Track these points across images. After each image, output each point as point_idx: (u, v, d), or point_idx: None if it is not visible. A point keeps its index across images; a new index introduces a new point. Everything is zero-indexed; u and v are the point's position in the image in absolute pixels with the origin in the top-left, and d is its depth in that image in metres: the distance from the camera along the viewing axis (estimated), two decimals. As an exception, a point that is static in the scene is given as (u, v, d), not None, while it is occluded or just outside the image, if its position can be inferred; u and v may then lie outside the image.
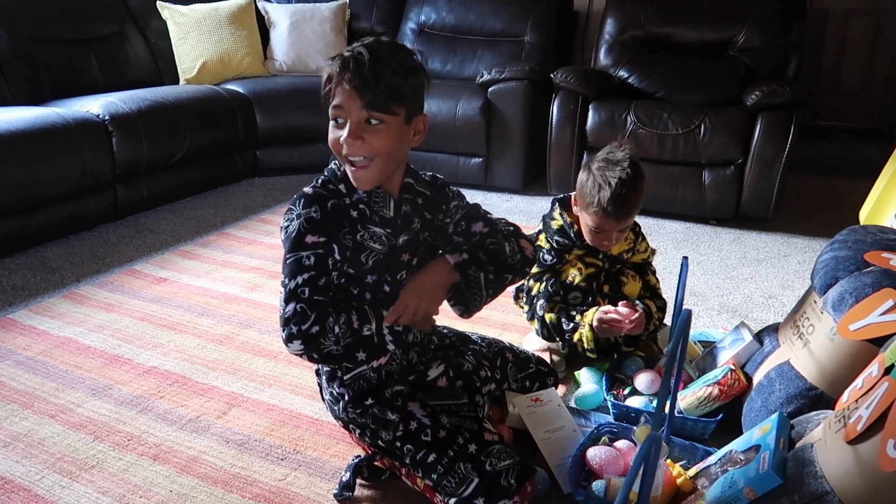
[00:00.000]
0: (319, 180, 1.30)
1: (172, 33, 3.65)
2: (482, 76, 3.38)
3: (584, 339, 1.69)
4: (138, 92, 3.12)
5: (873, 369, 1.11)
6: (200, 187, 3.39)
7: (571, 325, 1.71)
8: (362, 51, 1.18)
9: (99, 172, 2.75)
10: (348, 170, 1.25)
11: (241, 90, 3.53)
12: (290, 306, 1.17)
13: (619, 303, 1.68)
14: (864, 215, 2.20)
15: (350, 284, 1.30)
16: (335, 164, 1.31)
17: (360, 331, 1.21)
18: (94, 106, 2.85)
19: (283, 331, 1.18)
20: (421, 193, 1.38)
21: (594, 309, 1.69)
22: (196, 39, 3.65)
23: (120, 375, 1.78)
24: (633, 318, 1.63)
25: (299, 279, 1.19)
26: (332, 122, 1.23)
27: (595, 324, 1.66)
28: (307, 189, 1.27)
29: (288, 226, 1.23)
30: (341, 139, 1.20)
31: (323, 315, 1.18)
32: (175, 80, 3.68)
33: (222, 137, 3.37)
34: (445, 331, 1.62)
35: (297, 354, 1.20)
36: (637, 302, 1.73)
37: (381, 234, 1.31)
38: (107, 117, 2.80)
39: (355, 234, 1.28)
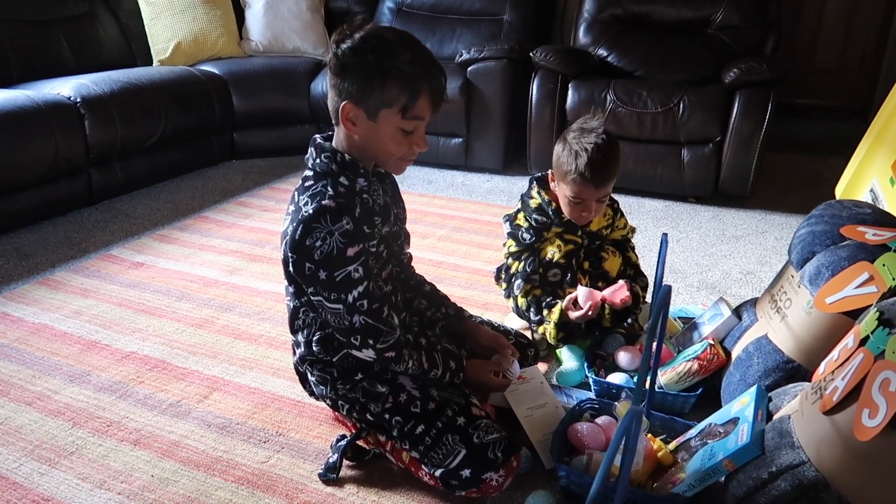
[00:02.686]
0: (328, 187, 1.24)
1: (144, 13, 3.57)
2: (461, 55, 3.35)
3: (548, 334, 1.73)
4: (110, 73, 3.05)
5: (849, 341, 1.13)
6: (177, 171, 3.33)
7: (538, 316, 1.73)
8: (439, 65, 1.21)
9: (71, 156, 2.70)
10: (399, 164, 1.29)
11: (216, 71, 3.47)
12: (355, 318, 1.24)
13: (583, 291, 1.69)
14: (840, 191, 2.22)
15: None
16: (326, 157, 1.26)
17: (427, 372, 1.33)
18: (65, 88, 2.79)
19: (354, 337, 1.25)
20: (388, 185, 1.40)
21: (558, 307, 1.70)
22: (169, 19, 3.57)
23: (98, 361, 1.76)
24: (619, 300, 1.65)
25: (355, 293, 1.22)
26: (399, 132, 1.22)
27: (572, 318, 1.68)
28: (327, 202, 1.20)
29: (321, 245, 1.18)
30: (418, 146, 1.26)
31: (399, 346, 1.28)
32: (148, 61, 3.61)
33: (198, 120, 3.31)
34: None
35: (364, 358, 1.30)
36: (621, 281, 1.74)
37: (377, 222, 1.31)
38: (78, 100, 2.74)
39: (373, 227, 1.29)
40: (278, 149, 3.65)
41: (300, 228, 1.20)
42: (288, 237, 1.22)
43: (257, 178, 3.34)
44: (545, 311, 1.73)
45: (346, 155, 1.26)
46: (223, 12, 3.70)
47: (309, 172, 1.28)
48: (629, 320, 1.80)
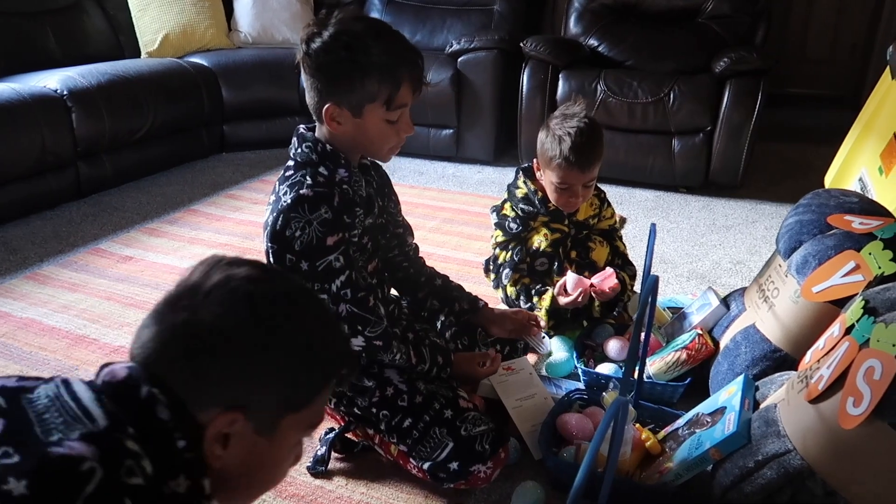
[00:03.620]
0: (307, 176, 1.22)
1: (132, 4, 3.53)
2: (451, 46, 3.33)
3: (540, 320, 1.72)
4: (98, 66, 3.02)
5: (835, 330, 1.13)
6: (166, 164, 3.31)
7: (528, 304, 1.73)
8: (412, 46, 1.20)
9: (59, 150, 2.68)
10: (389, 154, 1.29)
11: (205, 63, 3.44)
12: (340, 307, 1.23)
13: (572, 278, 1.69)
14: (829, 180, 2.23)
15: None
16: (307, 147, 1.25)
17: (415, 367, 1.33)
18: (51, 81, 2.76)
19: (342, 327, 1.23)
20: (374, 177, 1.39)
21: (549, 294, 1.70)
22: (157, 11, 3.54)
23: (86, 356, 1.75)
24: (609, 288, 1.66)
25: (338, 282, 1.22)
26: (386, 123, 1.22)
27: (562, 303, 1.68)
28: (305, 191, 1.19)
29: (300, 234, 1.18)
30: (406, 132, 1.26)
31: (387, 335, 1.28)
32: (136, 53, 3.57)
33: (187, 112, 3.29)
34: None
35: (353, 348, 1.27)
36: (609, 269, 1.75)
37: (359, 213, 1.29)
38: (65, 92, 2.72)
39: (354, 217, 1.27)
40: (268, 141, 3.63)
41: (280, 218, 1.19)
42: (268, 227, 1.21)
43: (247, 171, 3.32)
44: (535, 299, 1.73)
45: (327, 145, 1.25)
46: (211, 3, 3.66)
47: (290, 162, 1.27)
48: (617, 309, 1.80)
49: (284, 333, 0.69)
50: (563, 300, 1.68)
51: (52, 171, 2.72)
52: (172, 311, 0.69)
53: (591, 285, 1.68)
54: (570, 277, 1.68)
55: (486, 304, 1.61)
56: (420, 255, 1.60)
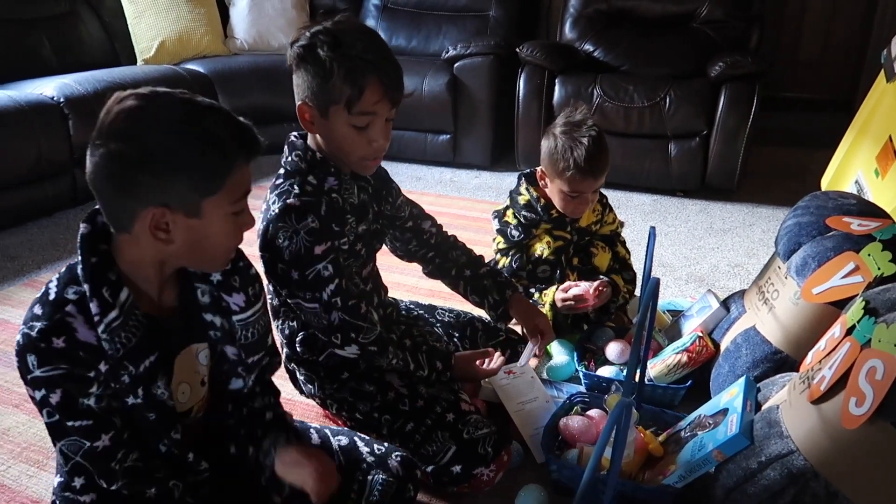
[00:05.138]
0: (295, 185, 1.22)
1: (128, 11, 3.53)
2: (447, 52, 3.34)
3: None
4: (94, 73, 3.02)
5: (836, 331, 1.14)
6: (163, 170, 3.30)
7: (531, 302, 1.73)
8: (390, 57, 1.17)
9: (56, 157, 2.67)
10: (362, 164, 1.25)
11: (201, 70, 3.45)
12: (332, 315, 1.22)
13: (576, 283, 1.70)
14: (826, 182, 2.24)
15: None
16: (296, 156, 1.25)
17: (413, 373, 1.33)
18: (47, 88, 2.76)
19: (335, 336, 1.24)
20: (368, 181, 1.37)
21: (553, 288, 1.70)
22: (153, 18, 3.54)
23: (85, 363, 1.74)
24: (594, 290, 1.65)
25: (328, 290, 1.21)
26: (352, 129, 1.18)
27: (559, 303, 1.68)
28: (292, 201, 1.20)
29: (288, 244, 1.18)
30: (376, 142, 1.21)
31: (381, 341, 1.27)
32: (132, 60, 3.57)
33: (184, 118, 3.28)
34: (412, 305, 1.63)
35: (348, 356, 1.27)
36: (602, 277, 1.75)
37: (350, 220, 1.29)
38: (62, 100, 2.71)
39: (343, 226, 1.27)
40: (266, 147, 3.62)
41: (269, 228, 1.20)
42: (260, 236, 1.22)
43: (244, 177, 3.31)
44: (537, 295, 1.73)
45: (317, 153, 1.25)
46: (207, 10, 3.67)
47: (281, 171, 1.27)
48: (612, 311, 1.79)
49: (164, 144, 0.85)
50: (560, 295, 1.68)
51: (49, 178, 2.71)
52: (90, 152, 0.86)
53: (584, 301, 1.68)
54: (579, 289, 1.68)
55: (517, 292, 1.55)
56: (445, 232, 1.59)
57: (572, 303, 1.67)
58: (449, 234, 1.60)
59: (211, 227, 0.91)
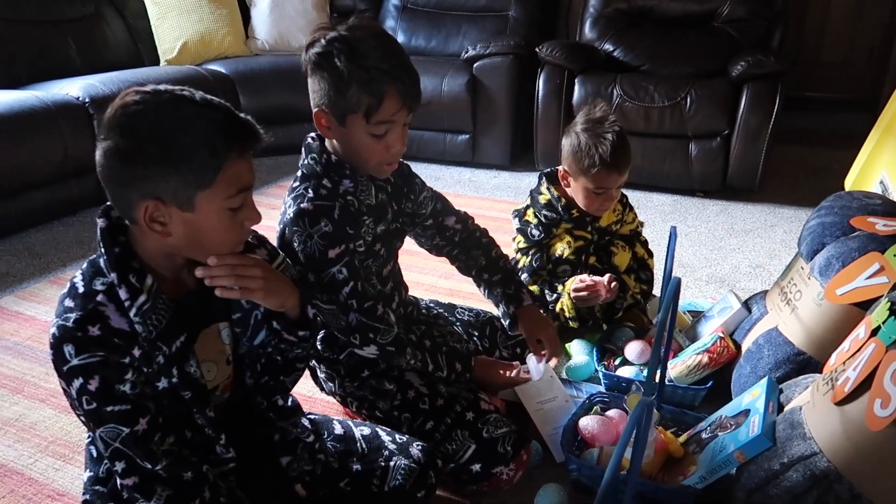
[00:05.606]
0: (310, 189, 1.23)
1: (151, 13, 3.58)
2: (467, 52, 3.35)
3: (565, 308, 1.71)
4: (118, 73, 3.07)
5: (860, 332, 1.13)
6: (185, 169, 3.34)
7: (555, 295, 1.73)
8: (408, 64, 1.16)
9: (81, 156, 2.71)
10: (379, 168, 1.24)
11: (223, 70, 3.48)
12: (350, 316, 1.23)
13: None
14: (850, 183, 2.21)
15: None
16: (312, 159, 1.26)
17: (431, 373, 1.33)
18: (73, 88, 2.80)
19: (353, 336, 1.24)
20: (387, 179, 1.37)
21: (572, 279, 1.70)
22: (175, 19, 3.59)
23: (110, 359, 1.77)
24: (606, 283, 1.66)
25: (344, 293, 1.22)
26: (370, 136, 1.18)
27: (571, 294, 1.68)
28: (305, 205, 1.20)
29: (302, 247, 1.19)
30: (394, 148, 1.20)
31: (399, 341, 1.27)
32: (155, 61, 3.62)
33: (205, 118, 3.32)
34: (432, 304, 1.64)
35: (368, 356, 1.28)
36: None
37: (367, 222, 1.30)
38: (87, 99, 2.76)
39: (359, 228, 1.28)
40: (285, 147, 3.62)
41: (285, 231, 1.22)
42: (278, 238, 1.24)
43: (264, 177, 3.35)
44: (560, 287, 1.73)
45: (332, 156, 1.25)
46: (229, 11, 3.71)
47: (298, 173, 1.28)
48: (618, 307, 1.78)
49: (154, 138, 0.87)
50: (574, 286, 1.68)
51: (74, 177, 2.76)
52: (97, 147, 0.90)
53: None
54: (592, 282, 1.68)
55: (523, 306, 1.50)
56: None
57: (585, 294, 1.66)
58: (478, 228, 1.56)
59: (207, 221, 0.92)
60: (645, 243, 1.90)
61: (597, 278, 1.68)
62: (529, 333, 1.46)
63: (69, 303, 0.92)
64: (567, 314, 1.72)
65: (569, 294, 1.69)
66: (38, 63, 3.14)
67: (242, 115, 0.95)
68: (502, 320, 1.57)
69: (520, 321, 1.47)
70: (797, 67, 3.84)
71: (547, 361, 1.45)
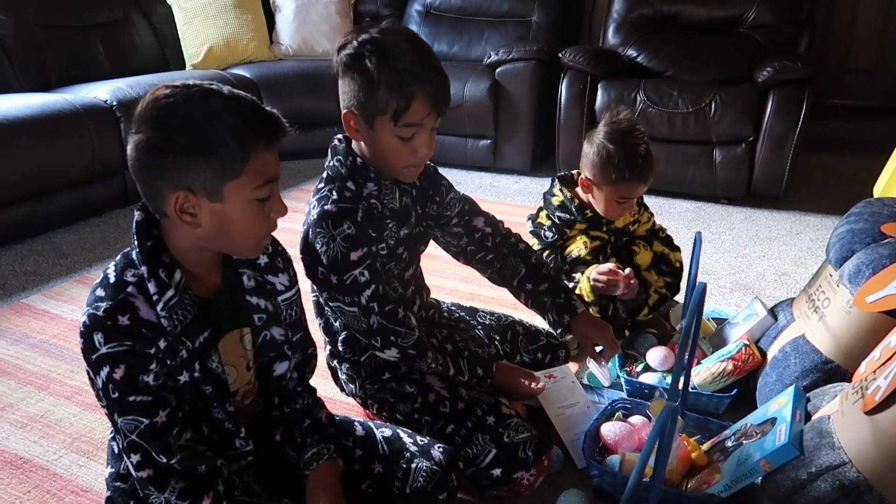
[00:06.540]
0: (334, 191, 1.23)
1: (178, 18, 3.64)
2: (489, 57, 3.35)
3: (584, 292, 1.68)
4: (145, 77, 3.11)
5: (891, 340, 1.10)
6: (209, 172, 3.37)
7: (572, 283, 1.71)
8: (438, 68, 1.17)
9: (108, 158, 2.76)
10: (405, 172, 1.25)
11: (247, 74, 3.52)
12: (371, 319, 1.23)
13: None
14: (879, 190, 2.17)
15: None
16: (337, 161, 1.26)
17: (452, 378, 1.32)
18: (101, 92, 2.85)
19: (374, 339, 1.25)
20: (412, 185, 1.36)
21: (593, 266, 1.69)
22: (201, 24, 3.63)
23: (134, 358, 1.79)
24: (626, 275, 1.65)
25: (365, 295, 1.22)
26: (398, 139, 1.18)
27: (592, 279, 1.67)
28: (329, 207, 1.21)
29: (325, 249, 1.20)
30: (420, 152, 1.21)
31: (421, 344, 1.27)
32: (181, 65, 3.67)
33: (230, 122, 3.35)
34: (454, 307, 1.63)
35: (389, 359, 1.28)
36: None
37: (390, 225, 1.30)
38: (115, 103, 2.80)
39: (381, 231, 1.28)
40: (308, 151, 3.68)
41: (309, 232, 1.22)
42: (301, 239, 1.24)
43: (287, 181, 3.37)
44: (578, 275, 1.72)
45: (358, 159, 1.25)
46: (254, 16, 3.75)
47: (323, 174, 1.29)
48: (640, 301, 1.76)
49: (183, 129, 0.89)
50: (594, 274, 1.67)
51: (101, 178, 2.80)
52: (129, 141, 0.92)
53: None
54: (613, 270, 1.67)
55: (577, 314, 1.47)
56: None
57: (604, 279, 1.65)
58: (511, 233, 1.53)
59: (235, 211, 0.94)
60: (666, 239, 1.88)
61: (619, 270, 1.67)
62: (585, 340, 1.46)
63: (101, 292, 0.94)
64: (585, 298, 1.68)
65: (588, 278, 1.68)
66: (67, 67, 3.20)
67: (268, 108, 0.97)
68: (552, 329, 1.56)
69: (574, 331, 1.46)
70: (824, 74, 3.79)
71: (607, 363, 1.43)
